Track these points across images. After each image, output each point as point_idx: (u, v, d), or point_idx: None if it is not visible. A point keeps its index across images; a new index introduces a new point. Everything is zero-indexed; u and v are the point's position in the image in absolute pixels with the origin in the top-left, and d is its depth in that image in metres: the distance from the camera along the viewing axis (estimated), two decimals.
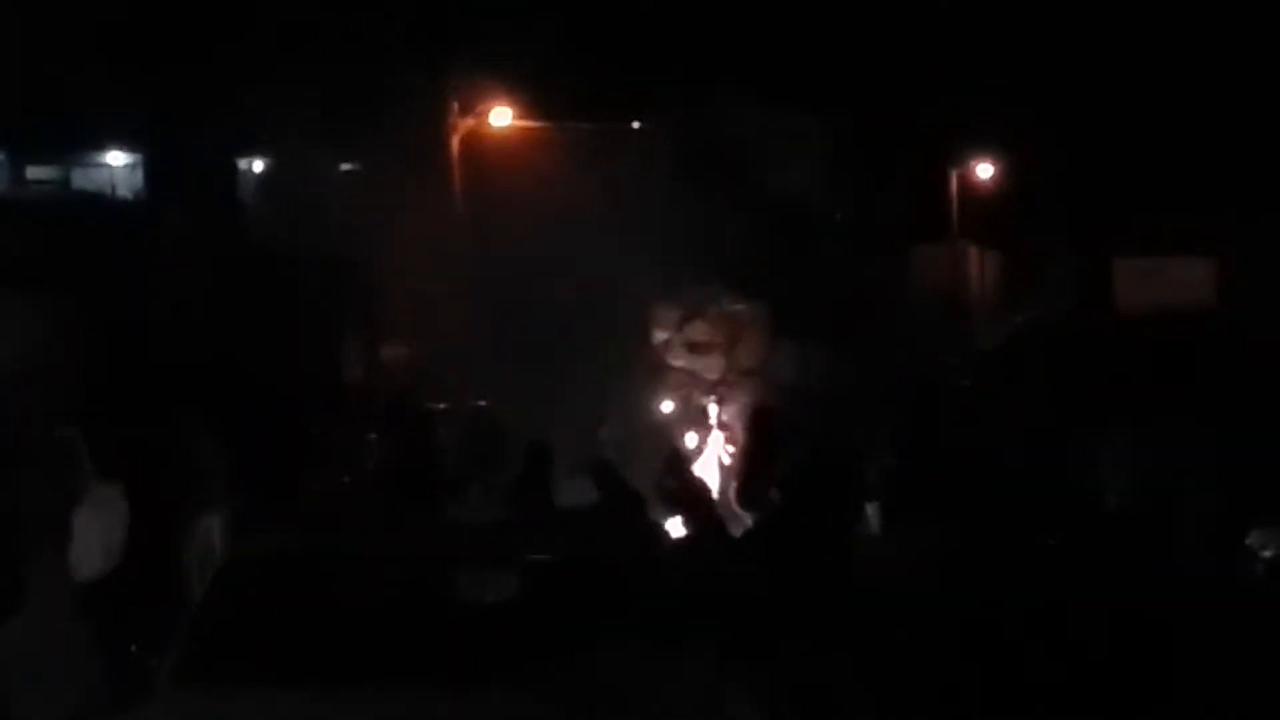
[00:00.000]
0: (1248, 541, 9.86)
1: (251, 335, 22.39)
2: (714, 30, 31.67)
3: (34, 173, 38.68)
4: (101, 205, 35.97)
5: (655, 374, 18.98)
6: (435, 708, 6.87)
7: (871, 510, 10.11)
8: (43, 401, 17.22)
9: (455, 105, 30.41)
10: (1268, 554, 9.64)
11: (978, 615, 7.40)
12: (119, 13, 31.02)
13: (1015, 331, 31.71)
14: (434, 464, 16.80)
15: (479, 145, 30.59)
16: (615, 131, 29.05)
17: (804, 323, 19.85)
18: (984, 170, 41.55)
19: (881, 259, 33.38)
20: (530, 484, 13.43)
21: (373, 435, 18.84)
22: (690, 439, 18.24)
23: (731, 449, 17.62)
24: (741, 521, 12.47)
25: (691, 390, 18.73)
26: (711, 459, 17.94)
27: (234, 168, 35.65)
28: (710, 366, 18.65)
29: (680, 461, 13.33)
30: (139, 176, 38.39)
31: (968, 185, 41.54)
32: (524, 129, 30.42)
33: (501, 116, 30.42)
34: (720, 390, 18.57)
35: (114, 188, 38.83)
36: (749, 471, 13.16)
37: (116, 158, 39.35)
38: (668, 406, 19.00)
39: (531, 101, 30.17)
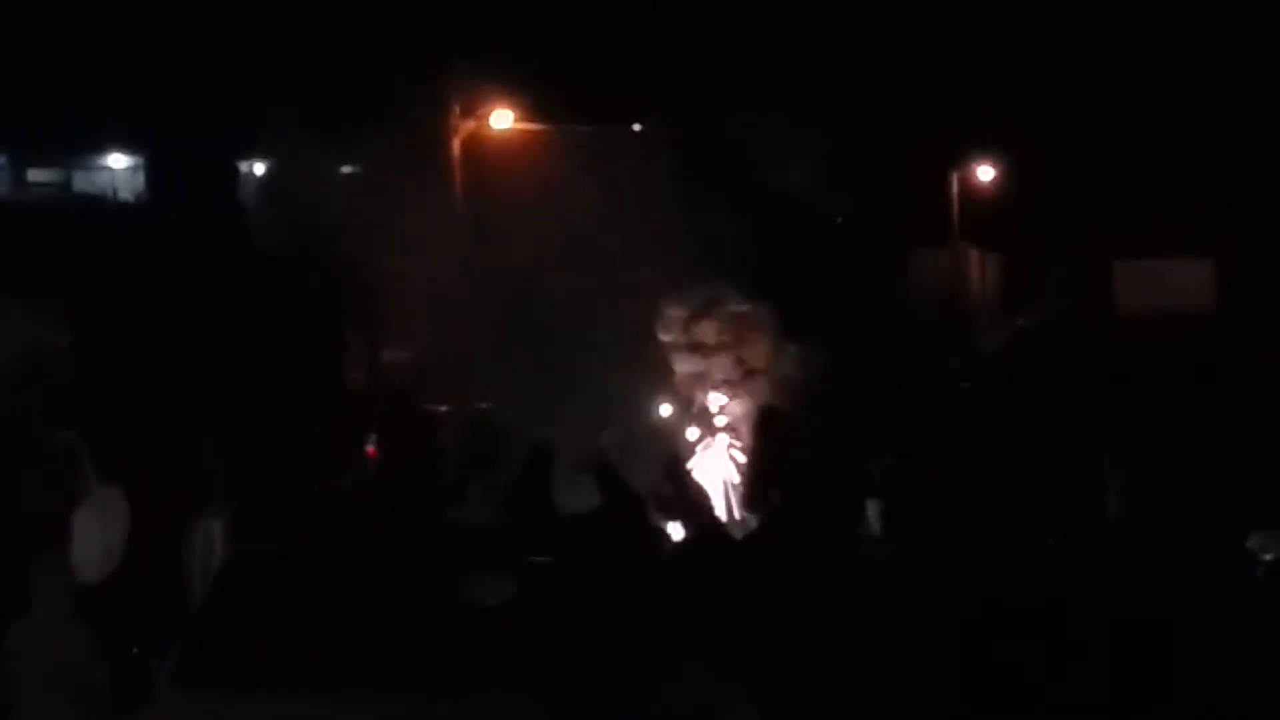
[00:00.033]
0: (1248, 544, 9.85)
1: (252, 337, 22.40)
2: (714, 33, 31.68)
3: (35, 175, 38.69)
4: (102, 207, 35.99)
5: (659, 375, 18.95)
6: (435, 709, 6.87)
7: (872, 510, 10.11)
8: (43, 403, 17.24)
9: (456, 108, 30.42)
10: (1268, 557, 9.62)
11: (977, 616, 7.40)
12: (119, 15, 31.03)
13: (1016, 333, 31.75)
14: (435, 466, 16.82)
15: (480, 147, 30.59)
16: (615, 134, 29.03)
17: (805, 324, 19.84)
18: (984, 173, 41.54)
19: (882, 261, 33.39)
20: (531, 486, 13.42)
21: (373, 438, 18.85)
22: (695, 440, 18.22)
23: (737, 450, 17.59)
24: (744, 523, 12.49)
25: (696, 391, 18.70)
26: (717, 461, 17.92)
27: (235, 170, 35.64)
28: (718, 367, 18.61)
29: (679, 468, 13.32)
30: (140, 179, 38.39)
31: (968, 188, 41.52)
32: (525, 131, 30.42)
33: (502, 119, 30.42)
34: (727, 391, 18.54)
35: (115, 190, 38.83)
36: (755, 473, 13.15)
37: (117, 160, 39.35)
38: (671, 409, 18.98)
39: (532, 104, 30.17)
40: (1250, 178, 33.38)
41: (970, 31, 35.02)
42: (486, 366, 21.21)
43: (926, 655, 7.16)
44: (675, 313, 18.79)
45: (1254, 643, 7.68)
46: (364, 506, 16.01)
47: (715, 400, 18.54)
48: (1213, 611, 8.06)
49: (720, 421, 18.48)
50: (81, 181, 39.22)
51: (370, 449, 19.30)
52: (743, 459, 16.66)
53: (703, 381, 18.62)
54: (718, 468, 17.71)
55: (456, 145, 30.55)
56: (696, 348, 18.66)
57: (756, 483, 12.82)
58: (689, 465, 14.49)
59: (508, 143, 30.32)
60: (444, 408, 21.19)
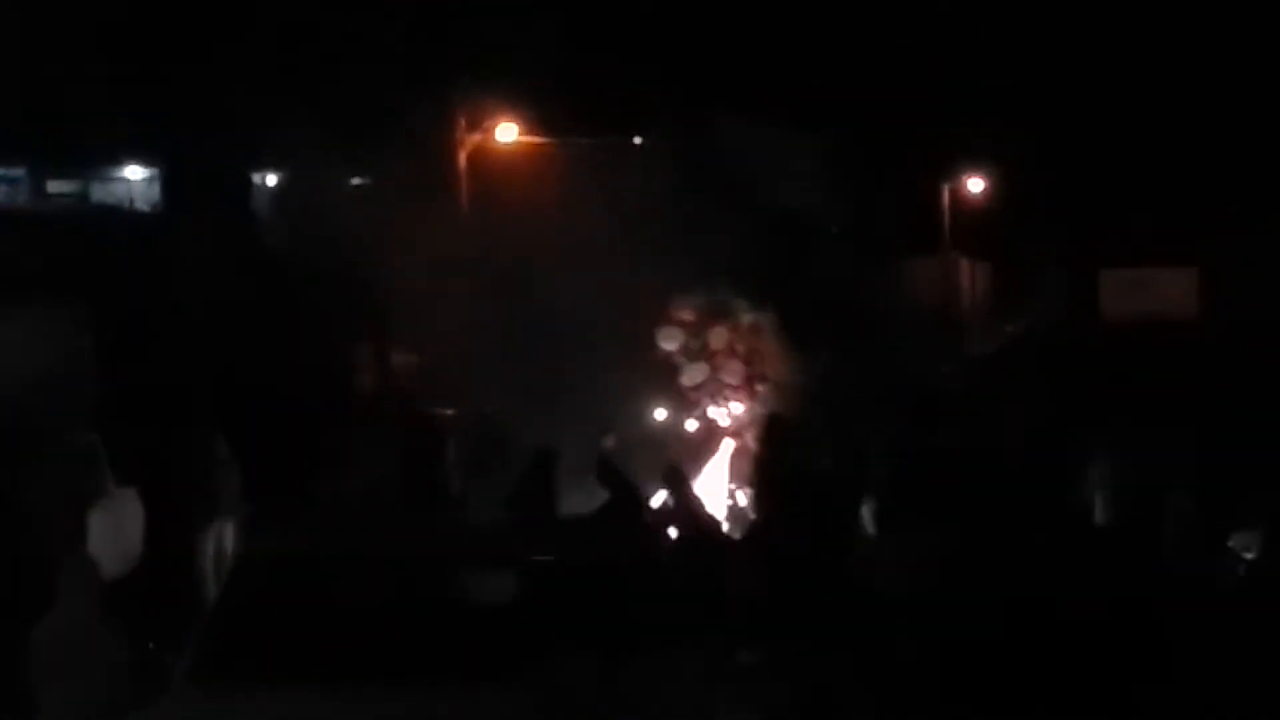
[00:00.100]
0: (1230, 543, 9.83)
1: (264, 344, 22.36)
2: (713, 50, 31.70)
3: (55, 186, 38.68)
4: (120, 217, 35.93)
5: (662, 381, 18.90)
6: (440, 704, 6.85)
7: (867, 511, 10.09)
8: (63, 407, 17.23)
9: (463, 122, 30.40)
10: (1250, 555, 9.60)
11: (970, 613, 7.37)
12: (136, 33, 31.07)
13: (1005, 340, 31.72)
14: (441, 468, 16.80)
15: (485, 160, 30.56)
16: (617, 147, 29.01)
17: (802, 330, 19.81)
18: (974, 185, 41.52)
19: (876, 269, 33.36)
20: (534, 488, 13.41)
21: (382, 441, 18.81)
22: (694, 433, 18.16)
23: (742, 455, 17.52)
24: (746, 524, 12.44)
25: (703, 397, 18.64)
26: (722, 464, 17.85)
27: (248, 181, 35.63)
28: (727, 373, 18.55)
29: (678, 476, 13.28)
30: (156, 190, 38.38)
31: (959, 199, 41.49)
32: (529, 144, 30.40)
33: (507, 132, 30.41)
34: (735, 397, 18.47)
35: (132, 200, 38.82)
36: (760, 477, 13.07)
37: (134, 172, 39.35)
38: (666, 413, 18.93)
39: (536, 118, 30.16)
40: (1231, 190, 33.39)
41: (962, 50, 35.05)
42: (491, 371, 21.16)
43: (922, 653, 7.14)
44: (683, 320, 18.74)
45: (1237, 636, 7.67)
46: (373, 508, 15.96)
47: (722, 406, 18.49)
48: (1198, 607, 8.05)
49: (725, 425, 18.45)
50: (99, 192, 39.21)
51: (379, 449, 19.29)
52: (747, 463, 16.59)
53: (710, 387, 18.58)
54: (723, 471, 17.67)
55: (463, 157, 30.52)
56: (705, 355, 18.62)
57: (761, 486, 12.77)
58: (689, 472, 14.40)
59: (512, 155, 30.30)
60: (450, 411, 21.16)
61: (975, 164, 40.45)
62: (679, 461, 14.38)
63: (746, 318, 18.80)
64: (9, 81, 29.49)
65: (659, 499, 13.23)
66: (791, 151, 26.31)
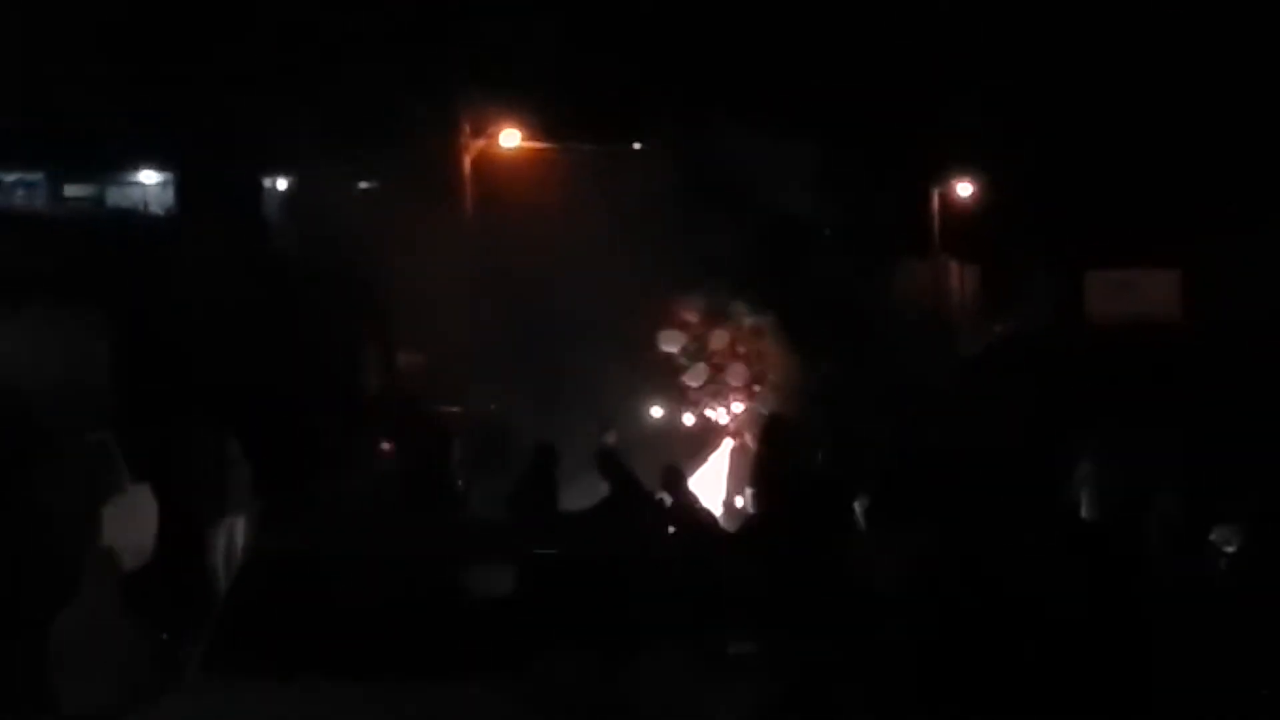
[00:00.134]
0: (1212, 538, 9.83)
1: (274, 344, 22.36)
2: (710, 59, 31.70)
3: (71, 190, 38.63)
4: (134, 221, 35.93)
5: (663, 380, 18.88)
6: (446, 696, 6.86)
7: (859, 508, 10.09)
8: (79, 407, 17.25)
9: (467, 128, 30.39)
10: (1230, 549, 9.61)
11: (957, 610, 7.38)
12: (151, 41, 31.07)
13: (993, 340, 31.71)
14: (446, 465, 16.81)
15: (489, 165, 30.55)
16: (617, 152, 29.01)
17: (795, 330, 19.80)
18: (964, 189, 41.48)
19: (868, 272, 33.35)
20: (536, 484, 13.42)
21: (388, 440, 18.82)
22: (698, 441, 18.13)
23: (741, 454, 17.47)
24: (743, 522, 12.41)
25: (705, 398, 18.62)
26: (722, 463, 17.82)
27: (258, 186, 35.61)
28: (731, 375, 18.52)
29: (676, 476, 13.28)
30: (169, 194, 38.33)
31: (948, 203, 41.45)
32: (532, 150, 30.39)
33: (511, 138, 30.40)
34: (737, 398, 18.44)
35: (146, 204, 38.77)
36: (759, 476, 13.04)
37: (148, 176, 39.30)
38: (673, 411, 18.93)
39: (539, 124, 30.16)
40: (1213, 195, 33.39)
41: (951, 58, 35.05)
42: (494, 370, 21.19)
43: (911, 648, 7.14)
44: (684, 323, 18.72)
45: (1222, 630, 7.68)
46: (378, 504, 15.98)
47: (723, 405, 18.47)
48: (1183, 602, 8.06)
49: (728, 427, 18.41)
50: (114, 196, 39.15)
51: (385, 447, 19.29)
52: (747, 462, 16.56)
53: (712, 388, 18.56)
54: (722, 470, 17.63)
55: (467, 163, 30.51)
56: (707, 357, 18.59)
57: (761, 485, 12.75)
58: (686, 469, 14.40)
59: (516, 160, 30.29)
60: (454, 409, 21.18)
61: (964, 168, 40.43)
62: (677, 462, 14.39)
63: (747, 320, 18.79)
64: (25, 88, 29.49)
65: (658, 497, 13.23)
66: (785, 156, 26.28)
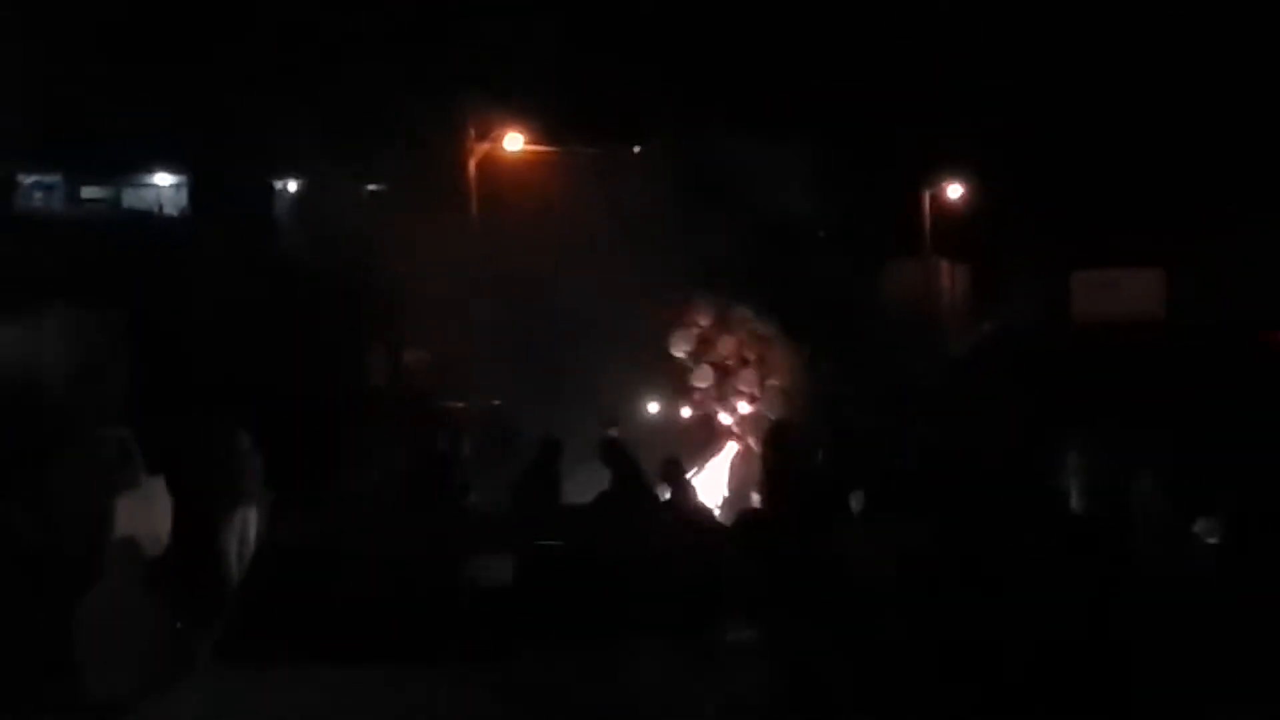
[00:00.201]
0: (1195, 529, 9.84)
1: (285, 342, 22.37)
2: (708, 65, 31.73)
3: (88, 192, 38.68)
4: (148, 223, 35.98)
5: (671, 384, 18.84)
6: (450, 682, 6.87)
7: (855, 503, 10.08)
8: (97, 403, 17.27)
9: (472, 131, 30.41)
10: (1213, 540, 9.62)
11: (948, 602, 7.39)
12: (169, 49, 31.10)
13: (981, 338, 31.68)
14: (451, 458, 16.81)
15: (494, 167, 30.57)
16: (618, 155, 29.01)
17: (790, 329, 19.80)
18: (954, 191, 41.50)
19: (860, 271, 33.36)
20: (539, 477, 13.42)
21: (394, 436, 18.81)
22: (696, 436, 18.10)
23: (744, 456, 17.43)
24: (743, 521, 12.36)
25: (712, 402, 18.57)
26: (725, 464, 17.78)
27: (270, 189, 35.65)
28: (740, 380, 18.44)
29: (676, 468, 13.28)
30: (184, 196, 38.38)
31: (939, 204, 41.46)
32: (535, 153, 30.41)
33: (514, 142, 30.43)
34: (744, 402, 18.38)
35: (161, 206, 38.82)
36: (767, 480, 12.99)
37: (163, 179, 39.34)
38: (670, 406, 18.89)
39: (542, 128, 30.19)
40: (1196, 196, 33.42)
41: (941, 64, 35.09)
42: (498, 368, 21.17)
43: (905, 644, 7.14)
44: (694, 327, 18.66)
45: (1208, 619, 7.68)
46: (386, 497, 15.99)
47: (731, 410, 18.41)
48: (1169, 592, 8.07)
49: (734, 430, 18.37)
50: (130, 198, 39.21)
51: (391, 442, 19.28)
52: (750, 465, 16.50)
53: (719, 392, 18.50)
54: (725, 471, 17.58)
55: (472, 165, 30.53)
56: (716, 361, 18.53)
57: (765, 489, 12.72)
58: (686, 466, 14.40)
59: (519, 163, 30.30)
60: (459, 405, 21.17)
61: (954, 171, 40.45)
62: (678, 455, 14.39)
63: (755, 325, 18.75)
64: (44, 93, 29.52)
65: (658, 489, 13.23)
66: (781, 159, 26.28)
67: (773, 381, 18.36)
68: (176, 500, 16.09)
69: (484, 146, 30.55)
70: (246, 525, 15.32)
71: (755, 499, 13.98)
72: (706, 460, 17.49)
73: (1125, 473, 10.48)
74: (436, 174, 28.20)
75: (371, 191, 31.36)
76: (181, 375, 20.34)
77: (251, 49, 29.33)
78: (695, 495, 13.19)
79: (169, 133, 33.43)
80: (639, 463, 12.92)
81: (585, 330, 19.82)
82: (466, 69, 28.97)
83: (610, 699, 6.70)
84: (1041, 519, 9.07)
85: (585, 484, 13.39)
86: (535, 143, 30.48)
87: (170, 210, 38.30)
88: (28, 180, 36.84)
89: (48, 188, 37.42)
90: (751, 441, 17.25)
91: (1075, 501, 11.78)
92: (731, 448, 17.96)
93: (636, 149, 30.25)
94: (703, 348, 18.62)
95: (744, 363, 18.48)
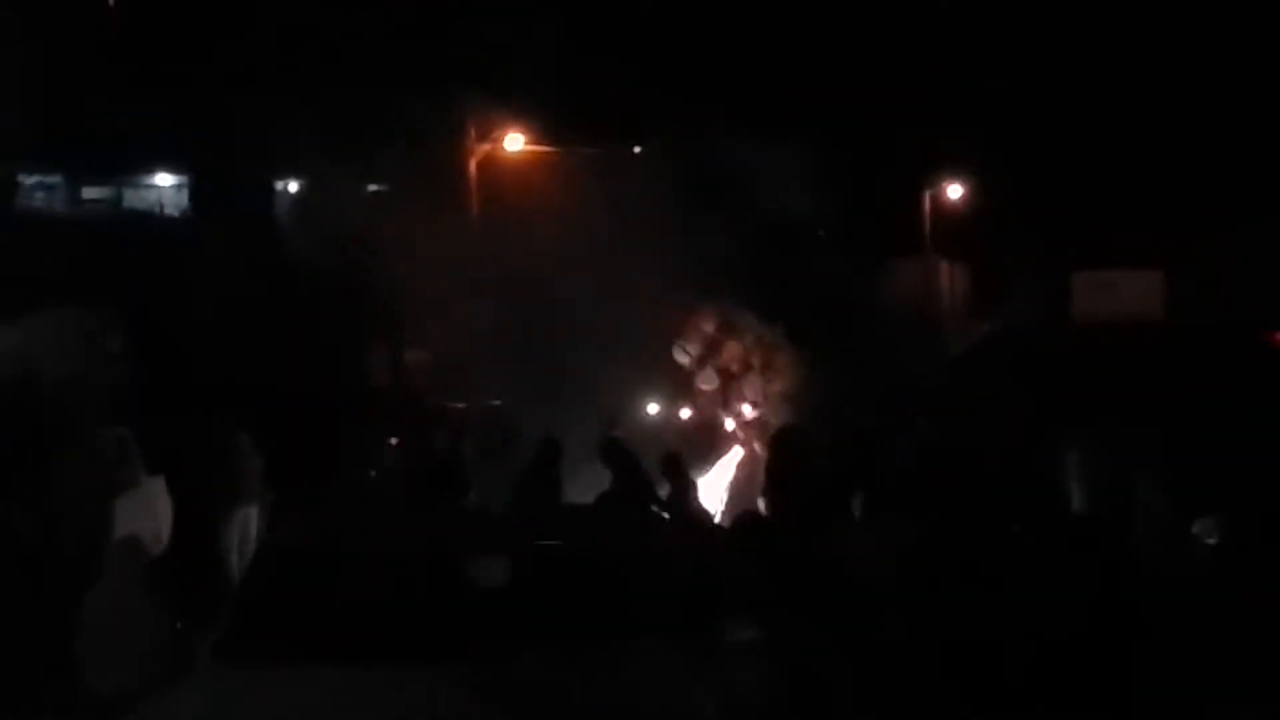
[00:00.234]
0: (1193, 530, 9.82)
1: (285, 342, 22.37)
2: (708, 65, 31.74)
3: (89, 192, 38.68)
4: (150, 223, 35.98)
5: (675, 381, 18.82)
6: (452, 681, 6.86)
7: (856, 502, 10.06)
8: (97, 403, 17.25)
9: (472, 132, 30.43)
10: (1212, 541, 9.60)
11: (948, 601, 7.38)
12: (169, 49, 31.11)
13: (981, 338, 31.63)
14: (451, 458, 16.81)
15: (494, 168, 30.59)
16: (618, 155, 29.04)
17: (791, 329, 19.79)
18: (954, 191, 41.51)
19: (860, 271, 33.37)
20: (539, 477, 13.40)
21: (395, 435, 18.82)
22: (703, 446, 18.07)
23: (750, 462, 17.41)
24: (745, 523, 12.32)
25: (713, 407, 18.55)
26: (730, 469, 17.76)
27: (270, 188, 35.65)
28: (746, 386, 18.43)
29: (677, 465, 13.27)
30: (184, 196, 38.38)
31: (939, 204, 41.47)
32: (535, 153, 30.43)
33: (515, 142, 30.45)
34: (751, 408, 18.35)
35: (161, 206, 38.82)
36: (771, 484, 12.99)
37: (164, 179, 39.34)
38: (670, 407, 18.88)
39: (542, 128, 30.21)
40: (1196, 196, 33.43)
41: (941, 64, 35.10)
42: (498, 368, 21.18)
43: (905, 644, 7.13)
44: (699, 333, 18.64)
45: (1203, 619, 7.68)
46: (386, 497, 15.98)
47: (736, 415, 18.40)
48: (1169, 593, 8.06)
49: (739, 435, 18.36)
50: (131, 198, 39.21)
51: (392, 442, 19.29)
52: (755, 470, 16.47)
53: (724, 397, 18.49)
54: (729, 476, 17.57)
55: (473, 166, 30.55)
56: (722, 367, 18.52)
57: (770, 493, 12.70)
58: (687, 465, 14.39)
59: (519, 163, 30.32)
60: (459, 405, 21.18)
61: (954, 171, 40.46)
62: (679, 451, 14.39)
63: (759, 331, 18.73)
64: (45, 93, 29.52)
65: (659, 488, 13.22)
66: (781, 160, 26.29)
67: (777, 387, 18.34)
68: (176, 500, 16.07)
69: (484, 147, 30.56)
70: (246, 525, 15.31)
71: (759, 503, 13.97)
72: (711, 463, 17.49)
73: (1125, 473, 10.47)
74: (437, 174, 28.22)
75: (372, 192, 31.37)
76: (181, 375, 20.33)
77: (251, 49, 29.33)
78: (696, 493, 13.18)
79: (170, 133, 33.43)
80: (640, 463, 12.91)
81: (585, 330, 19.82)
82: (466, 69, 28.98)
83: (610, 699, 6.69)
84: (1041, 519, 9.06)
85: (586, 484, 13.39)
86: (536, 143, 30.49)
87: (171, 210, 38.30)
88: (29, 181, 36.84)
89: (49, 188, 37.43)
90: (756, 446, 17.25)
91: (1075, 501, 11.77)
92: (737, 452, 17.95)
93: (636, 149, 30.27)
94: (707, 355, 18.61)
95: (748, 368, 18.47)
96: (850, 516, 9.51)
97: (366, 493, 16.25)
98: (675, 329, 18.78)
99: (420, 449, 17.45)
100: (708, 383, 18.51)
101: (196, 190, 37.17)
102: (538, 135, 30.44)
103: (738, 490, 16.77)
